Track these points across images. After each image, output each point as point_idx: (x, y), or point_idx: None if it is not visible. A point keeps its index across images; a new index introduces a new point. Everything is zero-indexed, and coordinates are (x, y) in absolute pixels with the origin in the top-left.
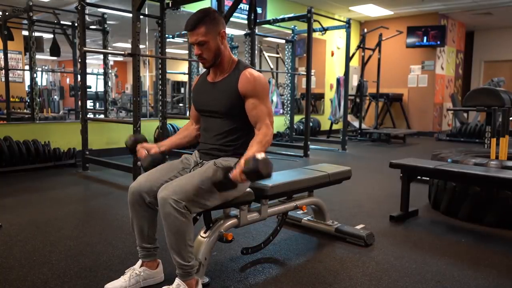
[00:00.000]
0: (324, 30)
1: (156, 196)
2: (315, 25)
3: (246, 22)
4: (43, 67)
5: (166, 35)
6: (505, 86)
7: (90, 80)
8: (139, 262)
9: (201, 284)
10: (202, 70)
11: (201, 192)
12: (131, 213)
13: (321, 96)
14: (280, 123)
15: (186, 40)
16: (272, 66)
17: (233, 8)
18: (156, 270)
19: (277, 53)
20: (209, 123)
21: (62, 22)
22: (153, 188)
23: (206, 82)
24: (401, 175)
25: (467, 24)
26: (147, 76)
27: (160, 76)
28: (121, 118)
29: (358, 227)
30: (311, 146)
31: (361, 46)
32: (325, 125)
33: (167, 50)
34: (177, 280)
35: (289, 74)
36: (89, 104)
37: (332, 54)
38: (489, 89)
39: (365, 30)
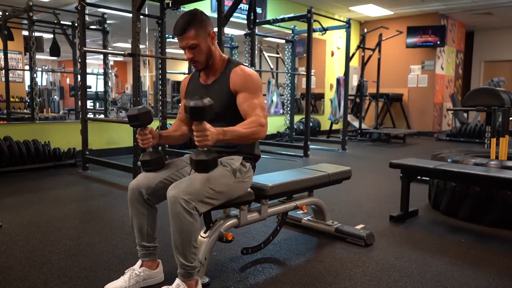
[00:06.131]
0: (324, 30)
1: (154, 193)
2: (315, 25)
3: (246, 22)
4: (43, 67)
5: (166, 35)
6: (505, 86)
7: (90, 80)
8: (139, 262)
9: (201, 284)
10: None
11: (211, 192)
12: (130, 211)
13: (321, 96)
14: (280, 123)
15: None
16: (272, 66)
17: (233, 8)
18: (156, 270)
19: (277, 53)
20: None
21: (62, 22)
22: (151, 185)
23: (199, 85)
24: (401, 175)
25: (467, 24)
26: (147, 76)
27: (160, 76)
28: (121, 118)
29: (358, 227)
30: (311, 146)
31: (361, 46)
32: (325, 125)
33: (167, 50)
34: (177, 281)
35: (289, 74)
36: (89, 104)
37: (332, 54)
38: (489, 89)
39: (365, 30)
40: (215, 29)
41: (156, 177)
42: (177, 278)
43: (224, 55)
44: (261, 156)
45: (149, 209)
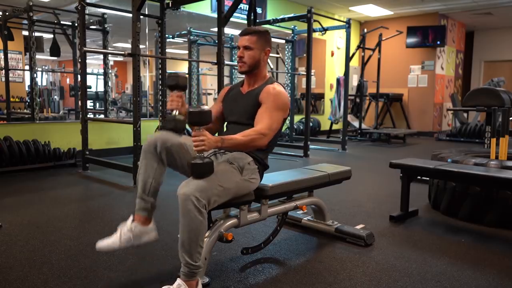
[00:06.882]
0: (324, 30)
1: (168, 150)
2: (315, 25)
3: (246, 22)
4: (43, 67)
5: (166, 35)
6: (505, 86)
7: (90, 80)
8: (131, 217)
9: (201, 284)
10: (202, 70)
11: (219, 189)
12: (141, 161)
13: (321, 96)
14: None
15: (186, 40)
16: (272, 66)
17: (233, 8)
18: (148, 226)
19: (277, 53)
20: (232, 130)
21: (62, 22)
22: (167, 142)
23: (238, 92)
24: (401, 175)
25: (467, 24)
26: (147, 76)
27: (160, 76)
28: (121, 118)
29: (358, 227)
30: (311, 146)
31: (361, 46)
32: (325, 125)
33: (167, 50)
34: (179, 281)
35: (289, 74)
36: (89, 104)
37: (332, 54)
38: (489, 89)
39: (365, 30)
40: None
41: (175, 138)
42: (178, 278)
43: (267, 74)
44: None
45: (159, 163)
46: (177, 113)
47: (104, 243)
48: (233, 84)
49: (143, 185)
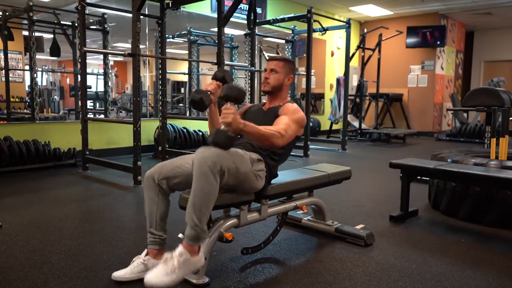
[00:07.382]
0: (324, 30)
1: (166, 179)
2: (315, 25)
3: (246, 22)
4: (43, 67)
5: (166, 35)
6: (505, 86)
7: (90, 80)
8: (145, 251)
9: (202, 251)
10: (202, 70)
11: (233, 166)
12: (144, 197)
13: (321, 96)
14: None
15: (186, 40)
16: None
17: (233, 8)
18: (161, 259)
19: (277, 53)
20: (247, 137)
21: (62, 22)
22: (163, 171)
23: (259, 108)
24: (401, 175)
25: (467, 24)
26: (147, 76)
27: (160, 76)
28: (121, 118)
29: (358, 227)
30: (311, 146)
31: (361, 46)
32: (325, 125)
33: (167, 50)
34: (181, 248)
35: None
36: (89, 104)
37: (332, 54)
38: (489, 89)
39: (365, 30)
40: (291, 76)
41: (169, 165)
42: (180, 245)
43: (287, 97)
44: None
45: (160, 196)
46: (208, 93)
47: (119, 273)
48: (255, 104)
49: (149, 219)
